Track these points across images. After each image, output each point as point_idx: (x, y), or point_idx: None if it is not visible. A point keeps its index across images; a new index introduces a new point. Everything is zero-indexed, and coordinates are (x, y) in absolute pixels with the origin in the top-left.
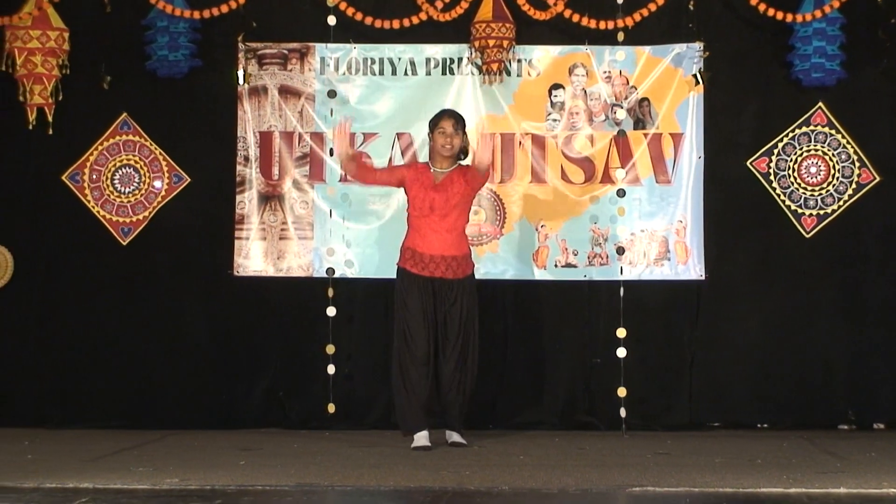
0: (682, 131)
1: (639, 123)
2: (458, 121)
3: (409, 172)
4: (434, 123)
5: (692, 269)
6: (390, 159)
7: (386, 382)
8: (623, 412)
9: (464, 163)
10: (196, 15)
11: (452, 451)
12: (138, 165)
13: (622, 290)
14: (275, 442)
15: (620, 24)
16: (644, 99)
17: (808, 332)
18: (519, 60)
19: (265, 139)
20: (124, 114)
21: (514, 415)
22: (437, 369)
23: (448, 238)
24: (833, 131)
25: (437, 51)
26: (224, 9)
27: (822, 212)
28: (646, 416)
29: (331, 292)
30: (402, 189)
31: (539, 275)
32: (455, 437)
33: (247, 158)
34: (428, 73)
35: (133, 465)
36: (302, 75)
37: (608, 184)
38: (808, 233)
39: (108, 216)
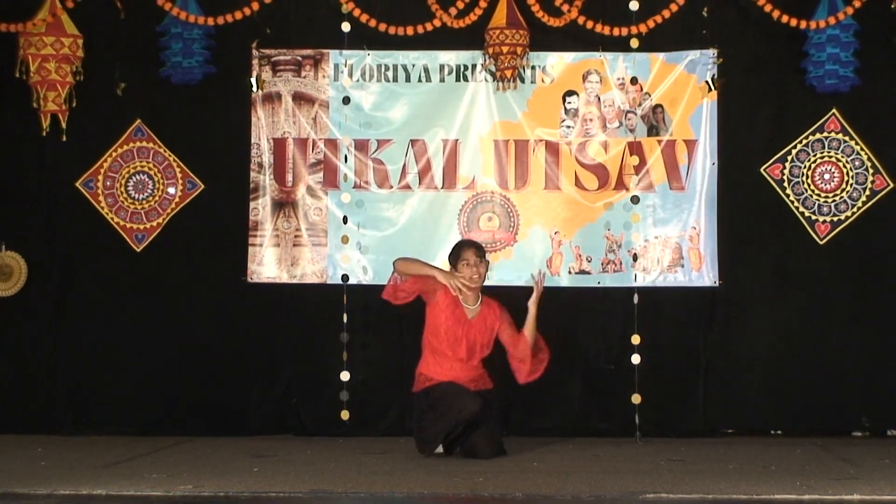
0: (695, 138)
1: (652, 130)
2: (479, 249)
3: (442, 296)
4: (456, 256)
5: (706, 275)
6: (403, 166)
7: (400, 389)
8: (637, 418)
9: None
10: (210, 21)
11: (466, 458)
12: (152, 172)
13: (636, 296)
14: (288, 448)
15: (634, 30)
16: (658, 105)
17: (821, 339)
18: (533, 67)
19: (279, 146)
20: (138, 120)
21: (529, 421)
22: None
23: (474, 372)
24: (847, 138)
25: (451, 57)
26: (238, 15)
27: (835, 218)
28: (660, 423)
29: (346, 299)
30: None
31: (553, 281)
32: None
33: (260, 165)
34: (442, 80)
35: (146, 471)
36: (316, 82)
37: (622, 190)
38: (821, 239)
39: (121, 223)
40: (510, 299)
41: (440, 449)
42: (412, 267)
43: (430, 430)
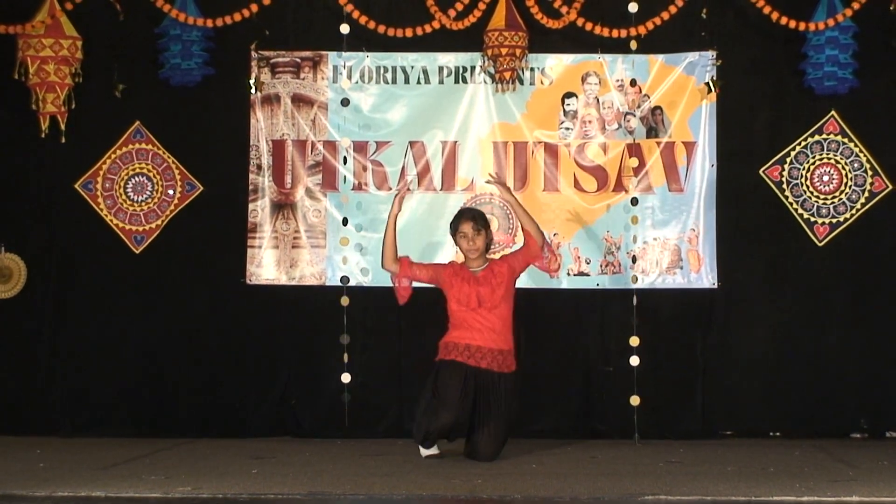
0: (694, 140)
1: (651, 132)
2: (478, 219)
3: (447, 269)
4: (454, 228)
5: (705, 277)
6: (402, 168)
7: (398, 391)
8: (636, 420)
9: (497, 255)
10: (209, 23)
11: (464, 460)
12: (151, 174)
13: (635, 298)
14: (287, 450)
15: (633, 32)
16: (657, 107)
17: (820, 341)
18: (532, 69)
19: (278, 147)
20: (137, 122)
21: (527, 423)
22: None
23: (499, 330)
24: (846, 140)
25: (450, 59)
26: (237, 17)
27: (834, 220)
28: (658, 425)
29: (345, 300)
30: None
31: (552, 283)
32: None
33: (259, 167)
34: (441, 82)
35: (145, 473)
36: (315, 83)
37: (621, 192)
38: (820, 241)
39: (120, 224)
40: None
41: (436, 451)
42: (385, 239)
43: (416, 422)
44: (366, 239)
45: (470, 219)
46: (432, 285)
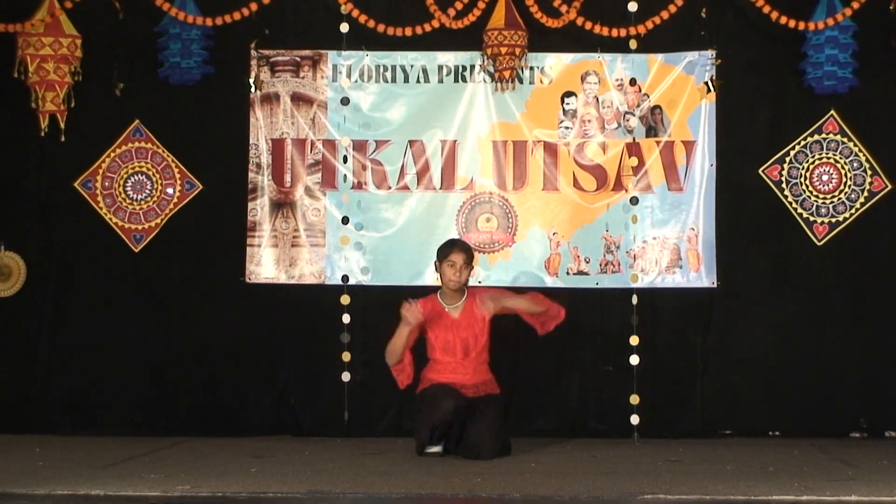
0: (694, 139)
1: (651, 131)
2: (468, 254)
3: (424, 309)
4: (444, 254)
5: (704, 276)
6: (402, 167)
7: (398, 390)
8: (635, 420)
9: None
10: (209, 22)
11: (464, 459)
12: (150, 172)
13: (634, 297)
14: (286, 449)
15: (633, 31)
16: (656, 107)
17: (819, 340)
18: (531, 68)
19: (277, 146)
20: (137, 121)
21: (526, 422)
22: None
23: (480, 368)
24: (845, 139)
25: (450, 58)
26: (237, 16)
27: (833, 220)
28: (658, 424)
29: (345, 299)
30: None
31: (551, 282)
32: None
33: (259, 165)
34: (440, 81)
35: (144, 472)
36: (314, 82)
37: (620, 191)
38: (819, 241)
39: (120, 223)
40: None
41: (438, 448)
42: (395, 345)
43: (418, 432)
44: (366, 238)
45: (462, 250)
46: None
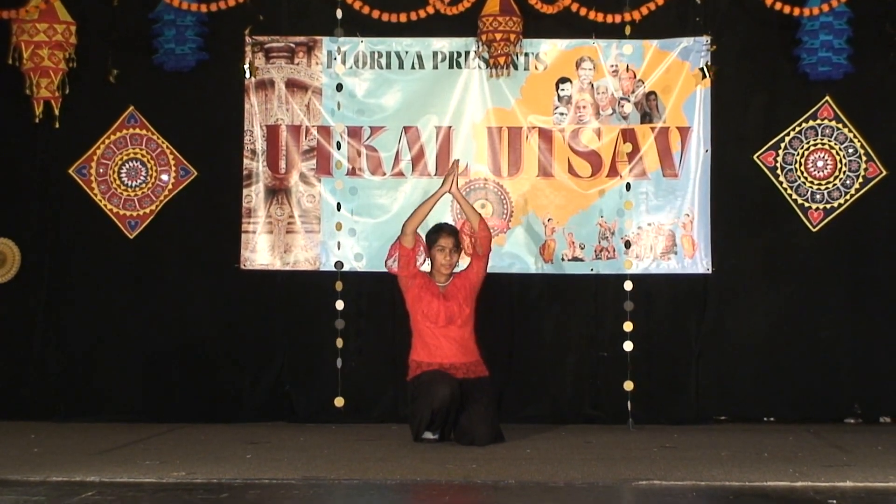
0: (689, 125)
1: (646, 117)
2: (456, 237)
3: (419, 279)
4: (433, 240)
5: (699, 262)
6: (397, 153)
7: (393, 376)
8: (629, 406)
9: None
10: (203, 8)
11: (459, 445)
12: (145, 159)
13: (629, 283)
14: (281, 435)
15: (627, 17)
16: (651, 93)
17: (814, 326)
18: (526, 54)
19: (272, 133)
20: (131, 107)
21: (521, 408)
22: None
23: (466, 344)
24: (840, 125)
25: (445, 44)
26: (231, 2)
27: (828, 206)
28: (652, 410)
29: (339, 286)
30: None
31: (546, 268)
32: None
33: (254, 152)
34: (435, 67)
35: (139, 458)
36: (309, 69)
37: (615, 177)
38: (814, 227)
39: (115, 210)
40: (502, 286)
41: (435, 435)
42: (416, 218)
43: (414, 419)
44: (360, 224)
45: (450, 234)
46: (403, 283)
